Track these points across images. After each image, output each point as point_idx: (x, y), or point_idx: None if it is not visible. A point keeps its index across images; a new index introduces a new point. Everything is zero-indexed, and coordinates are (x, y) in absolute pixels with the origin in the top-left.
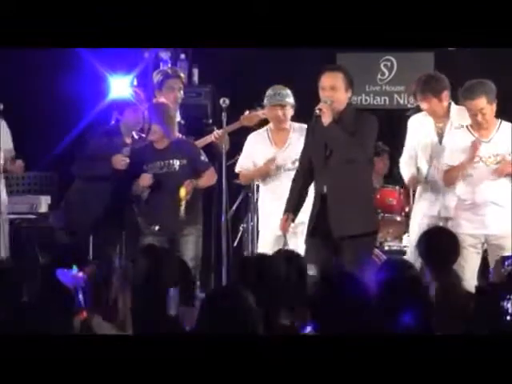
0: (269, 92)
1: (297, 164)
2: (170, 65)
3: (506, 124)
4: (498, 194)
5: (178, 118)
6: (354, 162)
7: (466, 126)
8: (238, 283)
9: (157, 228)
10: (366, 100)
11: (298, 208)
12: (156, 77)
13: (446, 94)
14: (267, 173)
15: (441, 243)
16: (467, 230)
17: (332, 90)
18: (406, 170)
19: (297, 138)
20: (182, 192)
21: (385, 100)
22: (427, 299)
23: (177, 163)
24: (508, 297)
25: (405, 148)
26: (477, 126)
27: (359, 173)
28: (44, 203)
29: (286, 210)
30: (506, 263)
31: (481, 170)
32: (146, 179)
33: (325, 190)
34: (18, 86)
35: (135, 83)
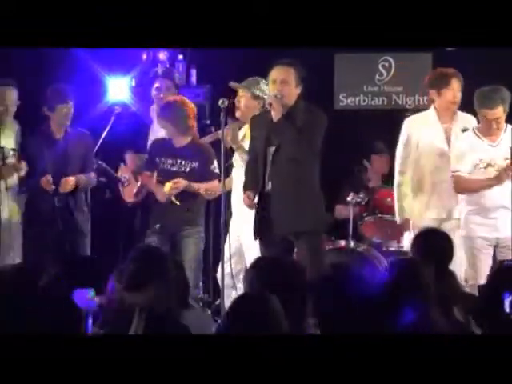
0: None
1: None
2: (167, 65)
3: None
4: (507, 198)
5: None
6: (299, 160)
7: (472, 130)
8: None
9: (157, 226)
10: (364, 100)
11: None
12: (150, 77)
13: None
14: None
15: (435, 244)
16: (479, 232)
17: (282, 83)
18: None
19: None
20: (167, 187)
21: (383, 100)
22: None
23: (188, 165)
24: (507, 297)
25: (403, 151)
26: (489, 132)
27: (304, 170)
28: None
29: (245, 189)
30: (503, 266)
31: (490, 174)
32: (161, 196)
33: (269, 187)
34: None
35: (133, 84)
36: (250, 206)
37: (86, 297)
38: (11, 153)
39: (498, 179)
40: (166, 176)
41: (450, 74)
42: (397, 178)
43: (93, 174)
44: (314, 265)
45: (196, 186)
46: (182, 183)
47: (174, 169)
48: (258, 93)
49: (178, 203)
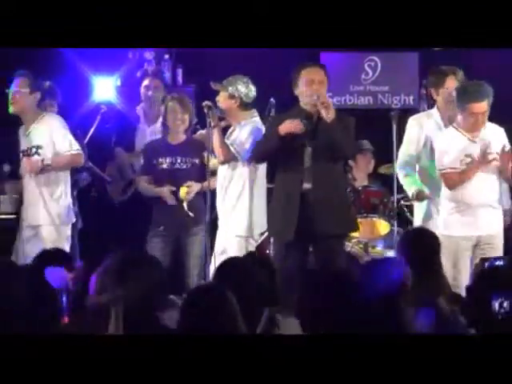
0: None
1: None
2: (154, 65)
3: (489, 124)
4: (490, 195)
5: None
6: (338, 160)
7: (453, 126)
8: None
9: (161, 228)
10: (349, 100)
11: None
12: (138, 76)
13: None
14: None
15: (423, 244)
16: (462, 232)
17: (320, 84)
18: (407, 180)
19: (237, 133)
20: (182, 192)
21: (369, 100)
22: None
23: (189, 161)
24: (495, 298)
25: (406, 148)
26: (473, 127)
27: (341, 171)
28: None
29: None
30: (487, 265)
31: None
32: (166, 195)
33: (305, 187)
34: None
35: (119, 83)
36: (297, 130)
37: (60, 275)
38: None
39: (482, 161)
40: (166, 176)
41: (445, 72)
42: (401, 173)
43: (84, 174)
44: (334, 266)
45: (205, 185)
46: (195, 186)
47: (175, 167)
48: (234, 92)
49: (191, 214)
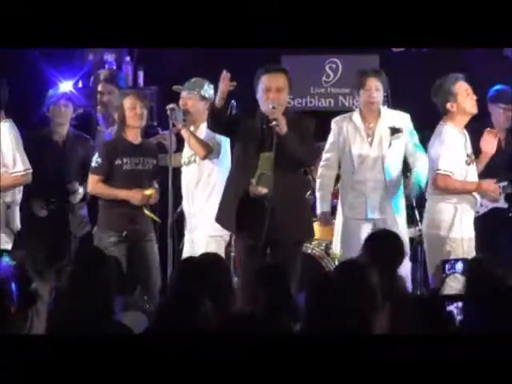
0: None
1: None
2: (114, 67)
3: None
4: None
5: None
6: (299, 168)
7: (448, 124)
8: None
9: (124, 234)
10: (310, 102)
11: None
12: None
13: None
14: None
15: (385, 246)
16: (470, 234)
17: (278, 91)
18: (320, 193)
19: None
20: (151, 193)
21: (330, 102)
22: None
23: (151, 162)
24: (452, 302)
25: (326, 150)
26: (473, 105)
27: (300, 176)
28: None
29: None
30: (447, 267)
31: (472, 170)
32: (136, 198)
33: (261, 192)
34: None
35: (80, 85)
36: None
37: (2, 264)
38: None
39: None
40: (130, 177)
41: (365, 74)
42: (320, 171)
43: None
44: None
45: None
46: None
47: (140, 167)
48: (205, 94)
49: (157, 219)
